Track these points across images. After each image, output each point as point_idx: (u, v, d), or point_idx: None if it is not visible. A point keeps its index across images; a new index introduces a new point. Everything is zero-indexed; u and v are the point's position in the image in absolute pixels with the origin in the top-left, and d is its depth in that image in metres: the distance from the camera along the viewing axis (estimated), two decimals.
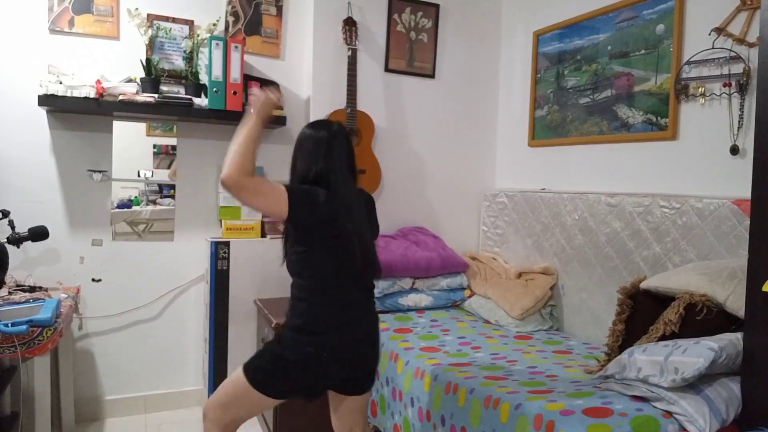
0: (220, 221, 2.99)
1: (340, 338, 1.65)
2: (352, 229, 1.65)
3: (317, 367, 1.64)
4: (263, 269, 2.84)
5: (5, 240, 2.37)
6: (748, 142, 2.01)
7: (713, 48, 2.14)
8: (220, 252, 2.82)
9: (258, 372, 1.67)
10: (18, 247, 2.47)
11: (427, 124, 3.28)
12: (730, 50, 2.08)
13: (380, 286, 2.72)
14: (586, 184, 2.73)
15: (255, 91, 1.74)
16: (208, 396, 2.88)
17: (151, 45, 2.80)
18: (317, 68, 3.00)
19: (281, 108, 1.75)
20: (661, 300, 1.82)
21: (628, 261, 2.38)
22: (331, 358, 1.64)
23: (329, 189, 1.66)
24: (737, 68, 2.06)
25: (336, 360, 1.65)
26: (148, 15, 2.79)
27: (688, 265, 1.96)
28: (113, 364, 2.87)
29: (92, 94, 2.52)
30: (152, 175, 2.89)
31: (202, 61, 2.81)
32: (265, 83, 2.97)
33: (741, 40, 2.05)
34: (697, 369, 1.44)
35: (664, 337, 1.68)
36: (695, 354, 1.47)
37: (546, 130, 3.01)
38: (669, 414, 1.52)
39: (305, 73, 3.11)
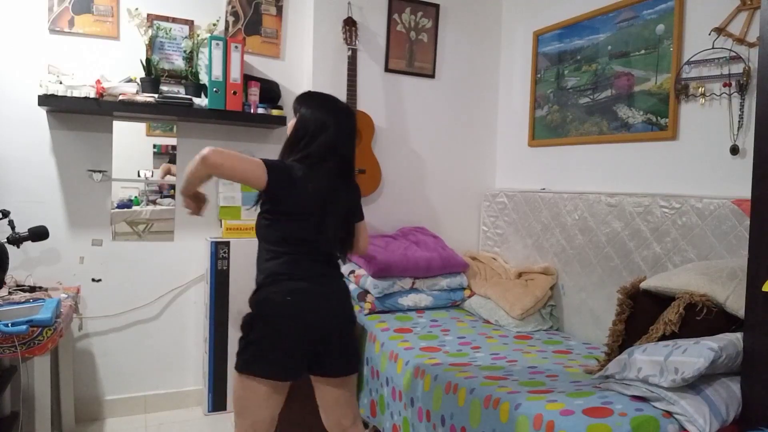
0: (220, 221, 3.00)
1: (296, 288, 1.71)
2: (320, 206, 1.74)
3: (276, 318, 1.69)
4: None
5: (5, 240, 2.37)
6: (748, 142, 2.01)
7: (713, 48, 2.14)
8: (220, 252, 2.82)
9: (238, 357, 1.74)
10: (18, 247, 2.47)
11: (427, 124, 3.29)
12: (730, 50, 2.08)
13: (380, 287, 2.72)
14: (586, 184, 2.73)
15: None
16: (208, 396, 2.88)
17: (151, 45, 2.80)
18: (317, 68, 3.00)
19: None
20: (661, 300, 1.82)
21: (628, 261, 2.38)
22: (286, 307, 1.68)
23: (310, 168, 1.74)
24: (737, 68, 2.06)
25: (291, 313, 1.68)
26: (148, 15, 2.79)
27: (688, 265, 1.96)
28: (113, 364, 2.87)
29: (92, 94, 2.52)
30: (152, 175, 2.89)
31: (202, 61, 2.81)
32: (267, 83, 2.97)
33: (741, 40, 2.05)
34: (697, 369, 1.44)
35: (664, 337, 1.68)
36: (695, 354, 1.47)
37: (546, 130, 3.01)
38: (669, 414, 1.52)
39: (305, 73, 3.11)
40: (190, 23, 2.89)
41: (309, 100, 1.83)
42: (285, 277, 1.73)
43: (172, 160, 2.92)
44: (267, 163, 1.70)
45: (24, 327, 1.89)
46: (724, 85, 2.10)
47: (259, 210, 1.79)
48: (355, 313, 1.88)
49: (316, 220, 1.73)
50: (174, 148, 2.92)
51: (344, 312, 1.81)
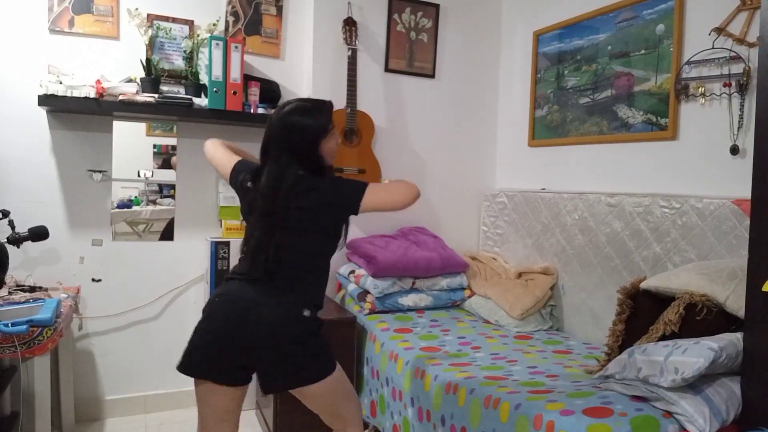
0: (220, 221, 3.00)
1: (227, 290, 1.68)
2: (256, 212, 1.67)
3: (204, 315, 1.68)
4: None
5: (5, 240, 2.37)
6: (748, 142, 2.01)
7: (713, 48, 2.14)
8: (220, 252, 2.82)
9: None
10: (18, 247, 2.47)
11: (427, 124, 3.28)
12: (730, 50, 2.08)
13: (380, 287, 2.72)
14: (586, 184, 2.73)
15: None
16: None
17: (151, 45, 2.80)
18: (317, 68, 3.00)
19: None
20: (661, 300, 1.82)
21: (628, 261, 2.38)
22: (210, 317, 1.66)
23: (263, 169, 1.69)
24: (737, 68, 2.06)
25: (212, 313, 1.66)
26: (148, 15, 2.79)
27: (688, 265, 1.96)
28: (113, 364, 2.87)
29: (92, 94, 2.52)
30: (152, 175, 2.89)
31: (202, 61, 2.81)
32: (267, 83, 2.97)
33: (741, 40, 2.05)
34: (697, 369, 1.44)
35: (664, 337, 1.68)
36: (695, 354, 1.47)
37: (546, 130, 3.01)
38: (669, 414, 1.52)
39: (305, 73, 3.11)
40: (190, 23, 2.89)
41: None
42: (230, 278, 1.73)
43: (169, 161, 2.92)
44: (237, 162, 1.83)
45: (24, 327, 1.89)
46: (724, 85, 2.10)
47: None
48: (300, 334, 1.65)
49: (262, 224, 1.65)
50: (174, 148, 2.92)
51: (275, 330, 1.60)
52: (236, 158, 1.88)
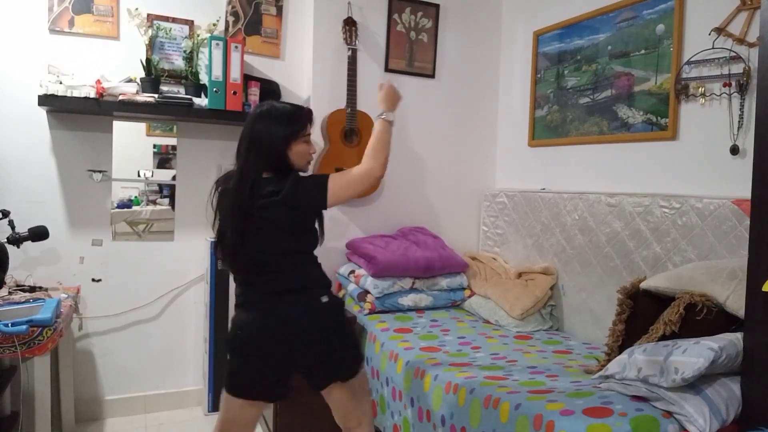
0: None
1: (244, 321, 1.69)
2: (222, 218, 1.71)
3: (236, 349, 1.70)
4: None
5: (5, 240, 2.37)
6: (748, 142, 2.01)
7: (713, 48, 2.14)
8: (219, 252, 2.81)
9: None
10: (18, 247, 2.47)
11: (427, 124, 3.28)
12: (730, 50, 2.08)
13: (380, 287, 2.72)
14: (586, 184, 2.73)
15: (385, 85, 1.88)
16: (208, 396, 2.88)
17: (151, 45, 2.80)
18: (317, 68, 3.00)
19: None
20: (661, 300, 1.82)
21: (628, 261, 2.38)
22: (244, 337, 1.68)
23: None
24: (737, 68, 2.06)
25: (249, 342, 1.67)
26: (148, 15, 2.80)
27: (688, 265, 1.96)
28: (113, 364, 2.87)
29: (92, 94, 2.52)
30: (152, 175, 2.89)
31: (202, 61, 2.82)
32: (267, 83, 2.97)
33: (741, 40, 2.05)
34: (697, 369, 1.44)
35: (664, 337, 1.68)
36: (695, 354, 1.47)
37: (546, 130, 3.01)
38: (669, 414, 1.52)
39: (305, 73, 3.11)
40: (190, 23, 2.89)
41: None
42: (237, 304, 1.74)
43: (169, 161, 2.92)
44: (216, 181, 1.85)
45: (24, 327, 1.89)
46: (724, 85, 2.10)
47: None
48: (331, 321, 1.73)
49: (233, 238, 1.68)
50: (174, 148, 2.92)
51: (306, 331, 1.68)
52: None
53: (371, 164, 1.73)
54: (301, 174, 1.74)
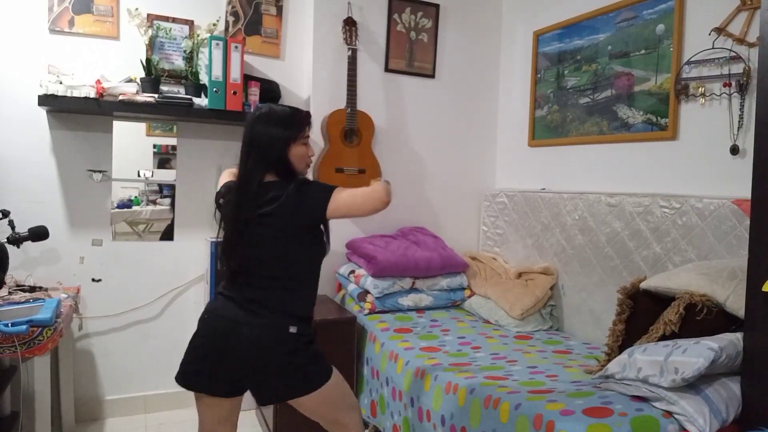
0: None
1: (219, 308, 1.68)
2: (224, 222, 1.70)
3: (195, 339, 1.70)
4: None
5: (5, 240, 2.37)
6: (748, 142, 2.01)
7: (713, 48, 2.14)
8: (220, 252, 2.81)
9: None
10: (18, 247, 2.47)
11: (427, 124, 3.28)
12: (730, 50, 2.08)
13: (380, 287, 2.72)
14: (586, 184, 2.73)
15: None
16: None
17: (151, 45, 2.80)
18: (317, 68, 3.00)
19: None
20: (661, 300, 1.82)
21: (628, 261, 2.38)
22: (199, 333, 1.68)
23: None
24: (737, 68, 2.06)
25: (202, 331, 1.68)
26: (148, 15, 2.79)
27: (688, 265, 1.96)
28: (113, 364, 2.87)
29: (92, 94, 2.52)
30: (152, 175, 2.89)
31: (202, 61, 2.81)
32: (267, 83, 2.97)
33: (741, 40, 2.05)
34: (697, 369, 1.44)
35: (664, 337, 1.68)
36: (695, 354, 1.47)
37: (546, 130, 3.01)
38: (669, 414, 1.52)
39: (305, 73, 3.11)
40: (190, 23, 2.89)
41: None
42: (218, 291, 1.74)
43: (169, 161, 2.92)
44: (222, 185, 1.86)
45: (24, 327, 1.89)
46: (724, 85, 2.10)
47: None
48: (288, 350, 1.63)
49: (235, 240, 1.66)
50: (174, 148, 2.92)
51: (260, 350, 1.61)
52: (227, 179, 1.87)
53: (383, 197, 1.63)
54: (309, 180, 1.72)
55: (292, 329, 1.64)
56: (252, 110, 1.76)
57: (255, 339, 1.61)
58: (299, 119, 1.72)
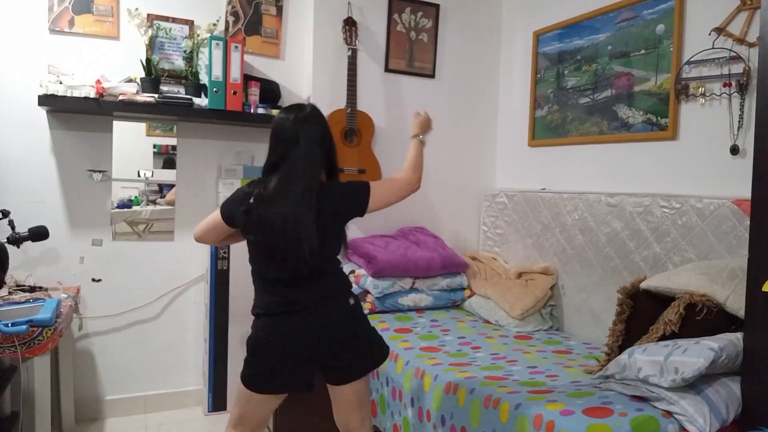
0: None
1: (274, 328, 1.68)
2: (277, 225, 1.60)
3: (263, 352, 1.69)
4: None
5: (5, 240, 2.37)
6: (748, 142, 2.01)
7: (713, 48, 2.14)
8: (220, 252, 2.82)
9: (244, 365, 1.75)
10: (18, 247, 2.47)
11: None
12: (730, 50, 2.08)
13: (380, 287, 2.72)
14: (586, 184, 2.73)
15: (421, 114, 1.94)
16: (208, 396, 2.88)
17: (151, 45, 2.80)
18: (317, 68, 3.00)
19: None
20: (661, 300, 1.82)
21: (628, 261, 2.38)
22: (273, 344, 1.68)
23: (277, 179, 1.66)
24: (737, 68, 2.06)
25: (279, 347, 1.67)
26: (148, 15, 2.79)
27: (688, 265, 1.96)
28: (113, 364, 2.87)
29: (92, 94, 2.52)
30: (152, 175, 2.89)
31: (202, 61, 2.81)
32: (267, 83, 2.97)
33: (741, 40, 2.05)
34: (697, 369, 1.44)
35: (664, 337, 1.68)
36: (695, 354, 1.47)
37: (546, 130, 3.01)
38: (669, 414, 1.52)
39: (305, 73, 3.11)
40: (190, 23, 2.88)
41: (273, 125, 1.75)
42: (262, 314, 1.71)
43: (172, 161, 2.92)
44: (222, 206, 1.75)
45: (24, 327, 1.89)
46: (724, 85, 2.10)
47: None
48: (355, 325, 1.74)
49: (271, 244, 1.62)
50: (174, 148, 2.92)
51: (332, 336, 1.68)
52: (216, 211, 1.77)
53: (412, 177, 1.79)
54: (341, 181, 1.76)
55: (351, 301, 1.74)
56: (286, 111, 1.70)
57: (325, 321, 1.67)
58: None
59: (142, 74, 2.73)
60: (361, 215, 1.73)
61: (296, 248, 1.58)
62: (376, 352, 1.79)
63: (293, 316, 1.67)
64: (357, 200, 1.70)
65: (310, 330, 1.66)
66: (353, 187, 1.72)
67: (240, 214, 1.66)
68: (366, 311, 2.72)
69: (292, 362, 1.69)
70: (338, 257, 1.80)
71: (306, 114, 1.68)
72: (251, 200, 1.64)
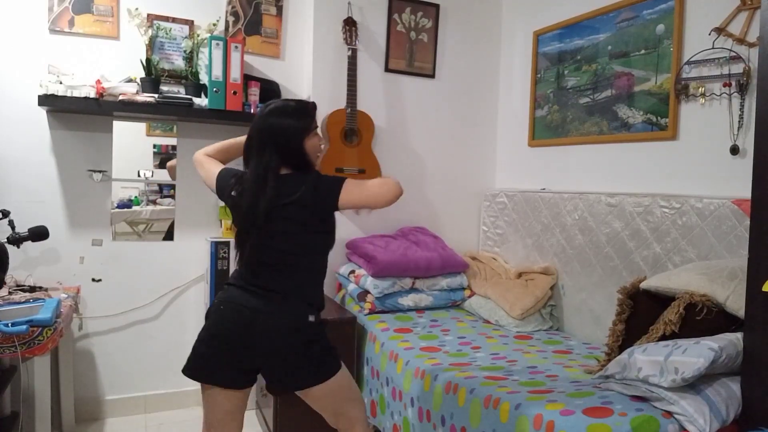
0: (220, 221, 3.00)
1: (229, 297, 1.67)
2: (240, 218, 1.66)
3: (208, 325, 1.68)
4: None
5: (5, 240, 2.37)
6: (748, 142, 2.01)
7: (713, 48, 2.14)
8: (220, 252, 2.82)
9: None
10: (18, 247, 2.47)
11: (427, 124, 3.28)
12: (730, 50, 2.08)
13: (380, 287, 2.72)
14: (586, 184, 2.73)
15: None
16: None
17: (151, 45, 2.80)
18: (317, 68, 3.00)
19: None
20: (661, 300, 1.82)
21: (628, 261, 2.38)
22: (215, 324, 1.66)
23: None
24: (737, 68, 2.06)
25: (218, 323, 1.65)
26: (148, 15, 2.79)
27: (688, 265, 1.96)
28: (113, 364, 2.87)
29: (92, 94, 2.52)
30: (152, 175, 2.89)
31: (202, 61, 2.81)
32: (267, 83, 2.98)
33: (741, 40, 2.05)
34: (697, 369, 1.44)
35: (664, 337, 1.68)
36: (695, 354, 1.47)
37: (546, 130, 3.01)
38: (669, 414, 1.52)
39: (305, 73, 3.11)
40: (190, 23, 2.88)
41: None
42: (231, 283, 1.71)
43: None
44: (220, 171, 1.81)
45: (24, 327, 1.89)
46: (724, 85, 2.10)
47: None
48: (306, 342, 1.67)
49: (247, 229, 1.65)
50: (174, 148, 2.92)
51: (282, 339, 1.63)
52: (218, 168, 1.84)
53: (394, 189, 1.68)
54: (321, 174, 1.73)
55: (311, 318, 1.68)
56: (262, 107, 1.73)
57: (276, 327, 1.63)
58: (309, 110, 1.74)
59: (142, 74, 2.73)
60: (335, 208, 1.68)
61: (248, 238, 1.64)
62: (321, 371, 1.70)
63: (251, 295, 1.65)
64: (329, 193, 1.66)
65: (254, 323, 1.62)
66: (328, 180, 1.70)
67: (228, 198, 1.74)
68: (366, 311, 2.73)
69: (227, 346, 1.64)
70: (321, 267, 1.76)
71: (261, 112, 1.70)
72: (233, 193, 1.70)
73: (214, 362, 1.66)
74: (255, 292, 1.66)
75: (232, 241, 2.78)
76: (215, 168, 1.84)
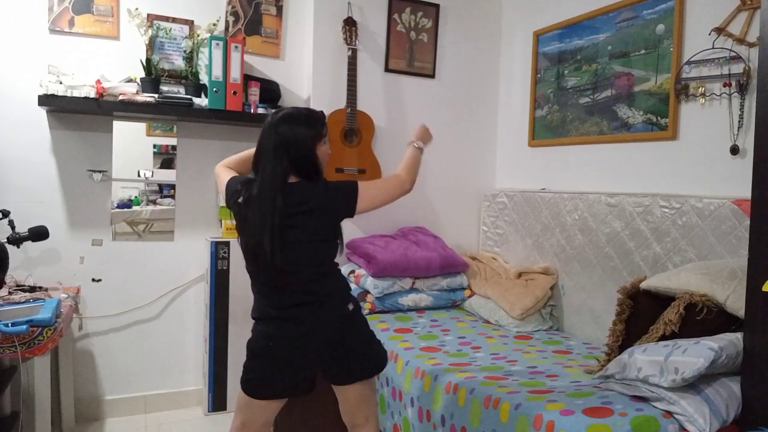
0: (220, 221, 3.00)
1: (270, 334, 1.68)
2: (251, 227, 1.63)
3: (264, 356, 1.69)
4: None
5: (5, 240, 2.37)
6: (748, 142, 2.01)
7: (713, 48, 2.14)
8: (220, 252, 2.82)
9: (243, 371, 1.74)
10: (18, 247, 2.47)
11: (427, 124, 3.27)
12: (730, 50, 2.08)
13: (380, 287, 2.72)
14: (586, 184, 2.73)
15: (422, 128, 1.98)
16: (208, 396, 2.88)
17: (151, 45, 2.80)
18: (317, 68, 3.00)
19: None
20: (661, 300, 1.82)
21: (628, 261, 2.38)
22: (272, 350, 1.67)
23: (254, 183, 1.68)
24: (737, 68, 2.06)
25: (277, 353, 1.67)
26: (148, 15, 2.79)
27: (688, 265, 1.96)
28: (113, 364, 2.87)
29: (92, 94, 2.52)
30: (152, 175, 2.89)
31: (202, 61, 2.82)
32: (267, 83, 2.97)
33: (741, 40, 2.05)
34: (697, 369, 1.44)
35: (664, 337, 1.68)
36: (695, 354, 1.47)
37: (546, 130, 3.01)
38: (669, 414, 1.52)
39: (305, 73, 3.11)
40: (190, 23, 2.88)
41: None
42: (259, 318, 1.72)
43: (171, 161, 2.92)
44: (228, 180, 1.80)
45: (24, 327, 1.89)
46: (724, 85, 2.10)
47: None
48: (352, 330, 1.73)
49: (260, 247, 1.62)
50: (174, 148, 2.92)
51: (332, 339, 1.68)
52: (230, 175, 1.84)
53: (406, 178, 1.79)
54: (330, 180, 1.73)
55: (350, 306, 1.73)
56: (271, 114, 1.72)
57: (320, 325, 1.67)
58: (320, 118, 1.74)
59: (142, 74, 2.73)
60: (351, 216, 1.70)
61: (263, 252, 1.60)
62: (373, 359, 1.78)
63: (287, 322, 1.66)
64: (344, 200, 1.68)
65: (306, 335, 1.66)
66: (341, 187, 1.70)
67: (233, 205, 1.72)
68: (366, 311, 2.72)
69: (290, 367, 1.69)
70: (335, 260, 1.77)
71: (271, 120, 1.68)
72: (240, 199, 1.68)
73: (277, 379, 1.70)
74: (289, 309, 1.67)
75: (232, 241, 2.81)
76: (227, 177, 1.84)
